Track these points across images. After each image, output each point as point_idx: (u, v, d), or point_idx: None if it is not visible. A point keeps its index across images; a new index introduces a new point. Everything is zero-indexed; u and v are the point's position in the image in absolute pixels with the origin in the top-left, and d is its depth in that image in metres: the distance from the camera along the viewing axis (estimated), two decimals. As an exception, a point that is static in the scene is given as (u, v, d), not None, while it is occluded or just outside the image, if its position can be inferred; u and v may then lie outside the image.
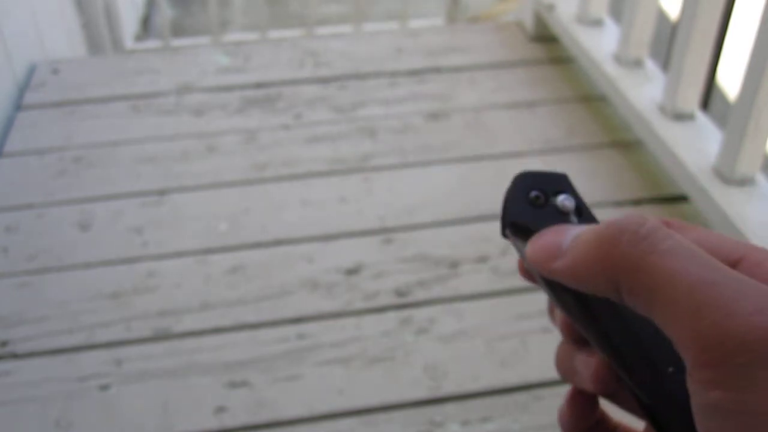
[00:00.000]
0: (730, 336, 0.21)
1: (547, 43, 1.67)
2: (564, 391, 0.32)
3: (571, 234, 0.26)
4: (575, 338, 0.31)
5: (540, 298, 1.14)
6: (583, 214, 0.29)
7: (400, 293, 1.09)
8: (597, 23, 1.54)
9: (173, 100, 1.52)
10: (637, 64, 1.40)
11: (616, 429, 0.31)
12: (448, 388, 0.96)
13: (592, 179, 1.30)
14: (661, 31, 1.54)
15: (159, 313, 1.06)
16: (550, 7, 1.62)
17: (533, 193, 0.30)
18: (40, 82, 1.57)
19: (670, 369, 0.26)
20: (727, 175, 1.11)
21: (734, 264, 0.26)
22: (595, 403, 0.31)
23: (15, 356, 1.00)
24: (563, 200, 0.29)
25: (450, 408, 0.94)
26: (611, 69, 1.41)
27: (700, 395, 0.22)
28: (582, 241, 0.26)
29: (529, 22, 1.71)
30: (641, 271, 0.23)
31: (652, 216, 0.25)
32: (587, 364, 0.29)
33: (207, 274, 1.12)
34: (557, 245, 0.27)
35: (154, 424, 0.92)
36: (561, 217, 0.29)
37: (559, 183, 0.30)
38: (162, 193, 1.28)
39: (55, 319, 1.05)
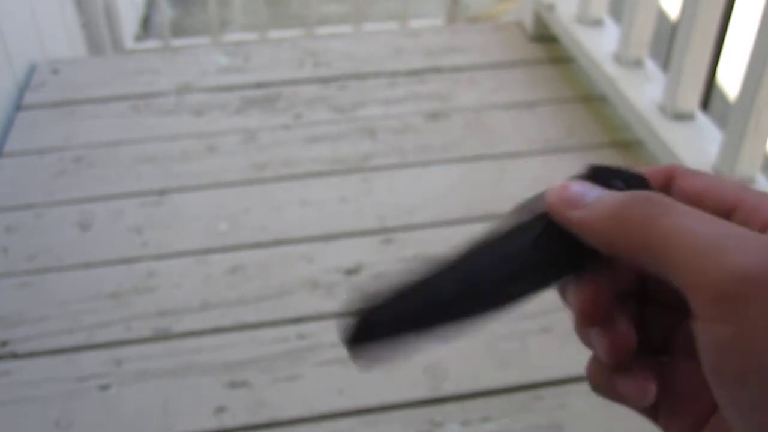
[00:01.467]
0: (730, 271, 0.23)
1: (547, 43, 1.67)
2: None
3: (596, 193, 0.29)
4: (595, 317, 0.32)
5: (540, 298, 1.14)
6: None
7: (400, 293, 1.08)
8: (597, 23, 1.54)
9: (173, 100, 1.52)
10: (637, 64, 1.40)
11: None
12: (448, 388, 0.96)
13: (592, 179, 1.30)
14: (661, 31, 1.54)
15: (159, 313, 1.06)
16: (550, 7, 1.62)
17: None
18: (40, 82, 1.57)
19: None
20: (728, 176, 1.11)
21: (732, 208, 0.28)
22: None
23: (15, 356, 1.00)
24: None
25: (450, 408, 0.94)
26: (611, 69, 1.41)
27: (705, 333, 0.24)
28: (605, 202, 0.28)
29: (529, 22, 1.71)
30: (657, 228, 0.26)
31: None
32: (600, 340, 0.31)
33: (207, 274, 1.12)
34: (580, 197, 0.29)
35: (154, 424, 0.92)
36: None
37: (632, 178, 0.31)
38: (162, 193, 1.28)
39: (55, 319, 1.05)
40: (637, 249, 0.26)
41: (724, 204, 0.28)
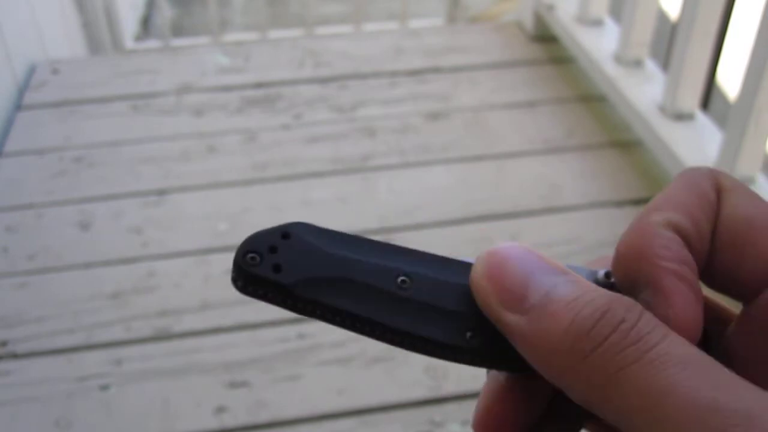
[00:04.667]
0: None
1: (547, 43, 1.67)
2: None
3: (546, 284, 0.20)
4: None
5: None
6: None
7: (400, 293, 1.09)
8: (597, 23, 1.54)
9: (173, 100, 1.52)
10: (637, 64, 1.40)
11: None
12: (448, 388, 0.96)
13: (592, 179, 1.30)
14: (661, 31, 1.54)
15: (159, 313, 1.06)
16: (550, 7, 1.62)
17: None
18: (40, 82, 1.57)
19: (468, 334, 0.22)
20: (727, 175, 1.11)
21: None
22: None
23: (15, 356, 1.00)
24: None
25: (450, 408, 0.94)
26: (611, 69, 1.41)
27: None
28: (558, 315, 0.19)
29: (529, 22, 1.71)
30: (622, 385, 0.18)
31: (639, 305, 0.19)
32: None
33: (207, 274, 1.12)
34: (520, 289, 0.20)
35: (154, 424, 0.92)
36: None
37: None
38: (162, 193, 1.28)
39: (55, 319, 1.05)
40: (599, 402, 0.18)
41: None
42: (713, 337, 0.23)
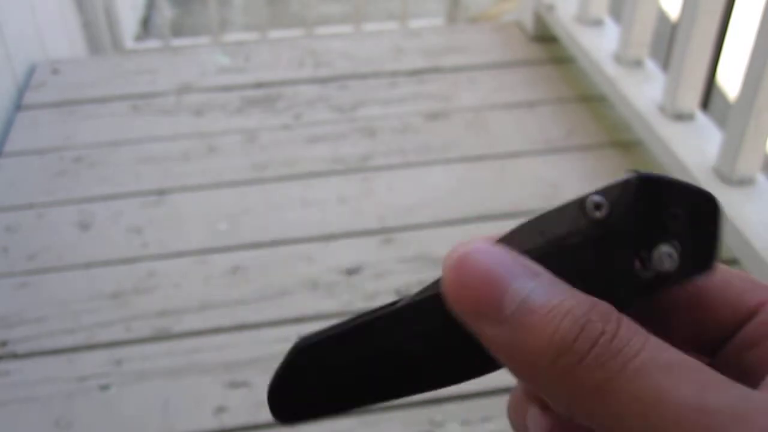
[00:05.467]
0: None
1: (547, 43, 1.67)
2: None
3: (522, 290, 0.19)
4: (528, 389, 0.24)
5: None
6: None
7: (400, 293, 1.09)
8: (597, 23, 1.54)
9: (173, 100, 1.52)
10: (637, 64, 1.40)
11: None
12: (449, 388, 0.96)
13: (592, 179, 1.30)
14: (661, 31, 1.54)
15: (159, 313, 1.06)
16: (550, 7, 1.62)
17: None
18: (40, 82, 1.57)
19: None
20: (727, 175, 1.11)
21: (754, 310, 0.21)
22: None
23: (15, 356, 1.00)
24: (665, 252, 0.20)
25: (450, 408, 0.94)
26: (611, 69, 1.41)
27: None
28: (535, 323, 0.19)
29: (529, 22, 1.71)
30: (608, 397, 0.18)
31: (617, 314, 0.19)
32: (538, 423, 0.23)
33: (207, 274, 1.12)
34: (494, 296, 0.19)
35: (154, 424, 0.92)
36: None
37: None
38: (162, 193, 1.28)
39: (55, 319, 1.05)
40: (585, 413, 0.18)
41: (746, 306, 0.21)
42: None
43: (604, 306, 0.19)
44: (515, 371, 0.20)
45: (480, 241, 0.21)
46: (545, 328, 0.18)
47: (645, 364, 0.18)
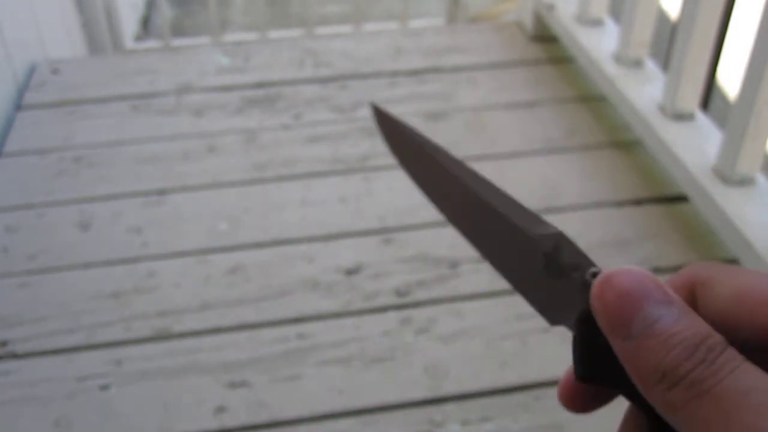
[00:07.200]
0: None
1: (547, 43, 1.67)
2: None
3: (647, 317, 0.23)
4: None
5: (540, 298, 1.14)
6: None
7: (400, 293, 1.09)
8: (597, 23, 1.54)
9: (173, 100, 1.52)
10: (637, 64, 1.40)
11: None
12: (448, 388, 0.96)
13: (592, 179, 1.30)
14: (661, 31, 1.54)
15: (159, 313, 1.06)
16: (550, 7, 1.62)
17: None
18: (40, 82, 1.57)
19: None
20: (727, 175, 1.11)
21: None
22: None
23: (15, 356, 1.00)
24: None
25: (450, 408, 0.94)
26: (611, 69, 1.41)
27: None
28: (649, 348, 0.22)
29: (529, 22, 1.71)
30: (689, 416, 0.21)
31: (711, 331, 0.22)
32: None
33: (207, 274, 1.12)
34: (627, 320, 0.23)
35: (154, 424, 0.92)
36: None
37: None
38: (162, 193, 1.28)
39: (55, 319, 1.05)
40: (677, 422, 0.22)
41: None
42: None
43: (716, 338, 0.22)
44: (632, 376, 0.23)
45: (628, 268, 0.24)
46: (658, 353, 0.22)
47: (726, 388, 0.21)
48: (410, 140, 0.35)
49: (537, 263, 0.28)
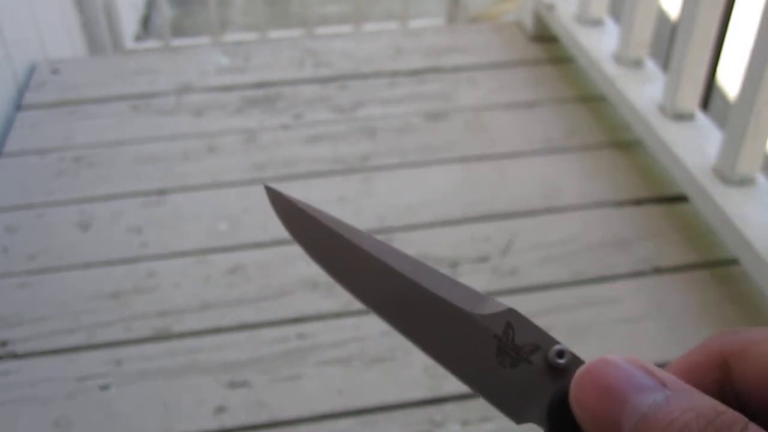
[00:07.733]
0: None
1: (547, 43, 1.67)
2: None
3: (638, 407, 0.19)
4: None
5: (540, 297, 1.14)
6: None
7: (400, 293, 1.08)
8: (597, 23, 1.54)
9: (173, 100, 1.52)
10: (637, 64, 1.40)
11: None
12: (448, 388, 0.96)
13: (592, 179, 1.30)
14: (661, 31, 1.54)
15: (159, 313, 1.06)
16: (550, 7, 1.62)
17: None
18: (40, 82, 1.57)
19: None
20: (727, 175, 1.11)
21: None
22: None
23: (15, 356, 1.00)
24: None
25: (450, 408, 0.94)
26: (611, 69, 1.41)
27: None
28: None
29: (529, 22, 1.71)
30: None
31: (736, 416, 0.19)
32: None
33: (207, 274, 1.12)
34: (615, 418, 0.20)
35: (154, 424, 0.92)
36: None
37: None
38: (162, 193, 1.28)
39: (55, 319, 1.05)
40: None
41: None
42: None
43: (728, 415, 0.19)
44: None
45: (609, 357, 0.21)
46: None
47: None
48: (312, 222, 0.30)
49: (488, 349, 0.24)
